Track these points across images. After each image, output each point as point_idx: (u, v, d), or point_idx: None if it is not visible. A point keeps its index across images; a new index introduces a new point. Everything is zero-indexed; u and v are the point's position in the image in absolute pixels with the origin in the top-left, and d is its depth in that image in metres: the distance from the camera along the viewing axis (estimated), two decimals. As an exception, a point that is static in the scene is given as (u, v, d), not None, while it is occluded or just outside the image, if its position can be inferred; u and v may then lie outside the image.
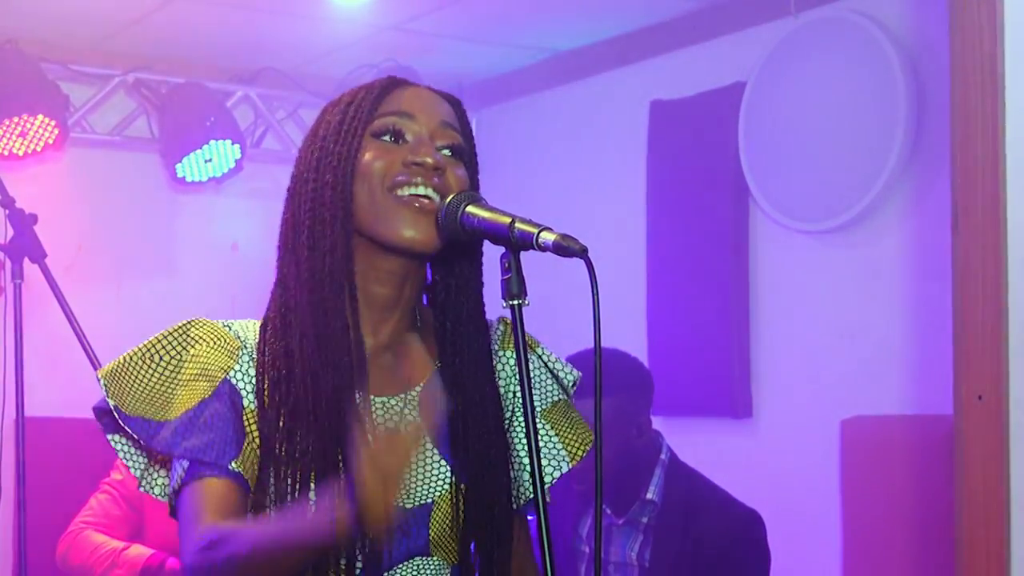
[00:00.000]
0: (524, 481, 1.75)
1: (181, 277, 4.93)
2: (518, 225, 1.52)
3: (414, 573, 1.66)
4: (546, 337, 2.10)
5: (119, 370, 1.65)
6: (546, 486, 1.72)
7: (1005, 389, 2.50)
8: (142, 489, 1.69)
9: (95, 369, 3.25)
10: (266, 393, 1.62)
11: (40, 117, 4.29)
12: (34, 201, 3.58)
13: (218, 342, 1.66)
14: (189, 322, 1.69)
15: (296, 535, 1.45)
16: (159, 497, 1.68)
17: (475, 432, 1.68)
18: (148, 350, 1.66)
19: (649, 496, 3.07)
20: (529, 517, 3.17)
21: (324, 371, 1.60)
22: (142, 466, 1.68)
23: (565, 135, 5.00)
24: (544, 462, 1.74)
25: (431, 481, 1.66)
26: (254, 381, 1.63)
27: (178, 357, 1.64)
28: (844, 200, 3.94)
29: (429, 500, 1.66)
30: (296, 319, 1.64)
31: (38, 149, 4.36)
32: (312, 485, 1.58)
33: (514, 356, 1.77)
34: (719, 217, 4.31)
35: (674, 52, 4.54)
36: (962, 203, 2.56)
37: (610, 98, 4.81)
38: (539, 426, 1.75)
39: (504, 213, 1.55)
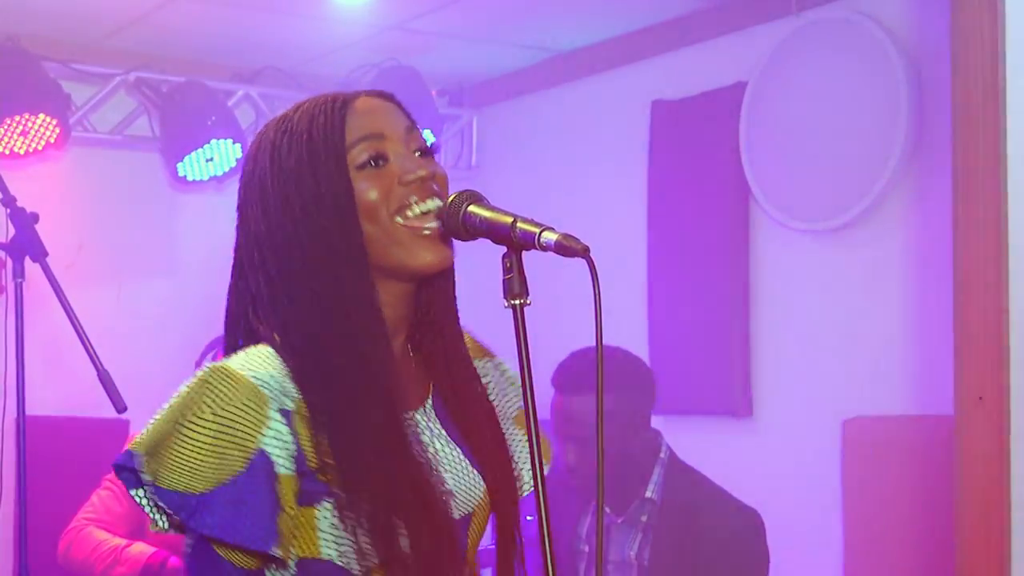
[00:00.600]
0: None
1: (182, 276, 4.93)
2: (520, 225, 1.52)
3: None
4: (546, 337, 2.11)
5: (153, 442, 1.54)
6: (529, 490, 1.76)
7: (1005, 390, 2.50)
8: (157, 529, 1.61)
9: (96, 368, 3.26)
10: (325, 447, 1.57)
11: (41, 116, 4.29)
12: (35, 200, 3.57)
13: (248, 401, 1.54)
14: (215, 374, 1.56)
15: None
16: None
17: (487, 441, 1.70)
18: (180, 414, 1.54)
19: (648, 495, 3.07)
20: (528, 518, 3.19)
21: (374, 403, 1.58)
22: (165, 520, 1.59)
23: (566, 135, 5.00)
24: (523, 466, 1.78)
25: (470, 491, 1.69)
26: (284, 441, 1.55)
27: (211, 420, 1.53)
28: (845, 200, 3.94)
29: (469, 511, 1.69)
30: (338, 366, 1.59)
31: (39, 148, 4.36)
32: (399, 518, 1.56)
33: (483, 366, 1.80)
34: (720, 217, 4.31)
35: (675, 52, 4.54)
36: (963, 203, 2.57)
37: (611, 98, 4.81)
38: (513, 431, 1.79)
39: (506, 213, 1.55)
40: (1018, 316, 2.49)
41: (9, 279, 3.44)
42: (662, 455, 3.12)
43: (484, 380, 1.78)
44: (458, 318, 1.74)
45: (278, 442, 1.54)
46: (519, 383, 1.76)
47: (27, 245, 3.41)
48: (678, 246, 4.45)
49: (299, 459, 1.55)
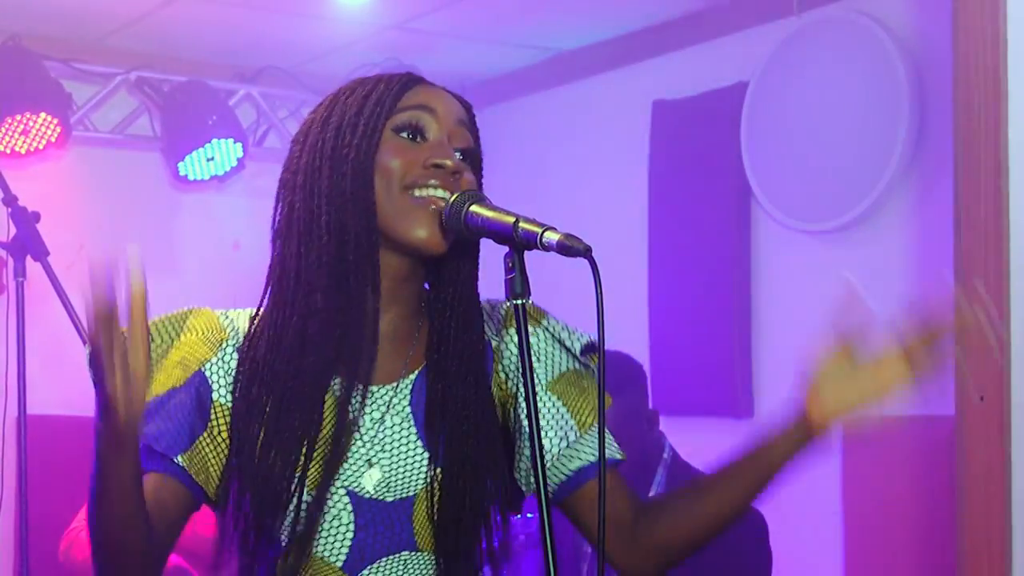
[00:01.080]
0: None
1: (183, 275, 4.93)
2: (522, 225, 1.52)
3: (400, 567, 1.65)
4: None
5: None
6: (555, 457, 1.71)
7: (1006, 390, 2.50)
8: None
9: (97, 367, 3.27)
10: (246, 380, 1.63)
11: (43, 115, 4.29)
12: (36, 199, 3.58)
13: (206, 332, 1.67)
14: (190, 310, 1.70)
15: (94, 463, 1.48)
16: None
17: (453, 423, 1.66)
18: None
19: (652, 495, 3.07)
20: (529, 515, 3.18)
21: (311, 364, 1.61)
22: None
23: (567, 134, 5.00)
24: (551, 433, 1.71)
25: (413, 473, 1.66)
26: (232, 374, 1.64)
27: (167, 342, 1.66)
28: (846, 200, 3.94)
29: (412, 493, 1.65)
30: (313, 304, 1.62)
31: (40, 147, 4.36)
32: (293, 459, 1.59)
33: (509, 337, 1.76)
34: (721, 217, 4.31)
35: (676, 52, 4.54)
36: (964, 203, 2.57)
37: (612, 98, 4.81)
38: (547, 398, 1.72)
39: (508, 212, 1.55)
40: (1020, 316, 2.49)
41: (10, 278, 3.44)
42: (665, 456, 3.12)
43: (505, 349, 1.73)
44: (474, 304, 1.71)
45: (223, 372, 1.64)
46: (570, 343, 1.76)
47: (28, 244, 3.42)
48: (679, 246, 4.45)
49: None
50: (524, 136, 5.17)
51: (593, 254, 1.49)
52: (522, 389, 1.70)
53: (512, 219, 1.53)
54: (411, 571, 1.66)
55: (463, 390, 1.68)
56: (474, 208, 1.58)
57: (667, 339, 4.45)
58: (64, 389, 4.29)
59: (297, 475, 1.59)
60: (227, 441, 1.63)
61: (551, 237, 1.50)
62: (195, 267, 4.95)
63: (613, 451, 1.77)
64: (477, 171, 1.71)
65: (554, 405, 1.74)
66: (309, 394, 1.61)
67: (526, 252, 1.54)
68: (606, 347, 1.58)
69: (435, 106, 1.67)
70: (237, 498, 1.61)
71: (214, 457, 1.63)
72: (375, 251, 1.63)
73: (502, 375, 1.74)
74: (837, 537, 3.92)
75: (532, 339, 1.75)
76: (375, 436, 1.65)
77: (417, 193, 1.62)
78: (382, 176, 1.62)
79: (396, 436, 1.66)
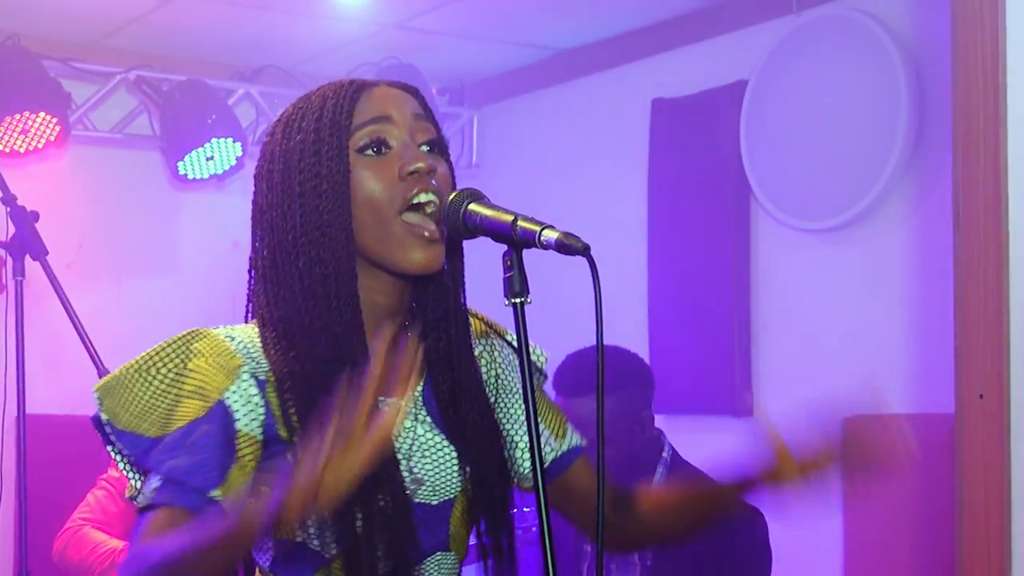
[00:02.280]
0: (524, 466, 1.79)
1: (182, 274, 4.94)
2: (520, 223, 1.52)
3: (436, 568, 1.69)
4: (547, 335, 2.10)
5: (115, 384, 1.62)
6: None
7: (1006, 388, 2.50)
8: (132, 494, 1.66)
9: (96, 366, 3.27)
10: (291, 413, 1.60)
11: (42, 114, 4.29)
12: (36, 198, 3.58)
13: (218, 359, 1.61)
14: (192, 333, 1.63)
15: (205, 535, 1.45)
16: None
17: (470, 424, 1.70)
18: (147, 363, 1.62)
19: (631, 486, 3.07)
20: (526, 509, 3.18)
21: (337, 383, 1.55)
22: (139, 477, 1.64)
23: (567, 133, 5.00)
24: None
25: (451, 476, 1.69)
26: (252, 402, 1.60)
27: (176, 371, 1.60)
28: (845, 198, 3.94)
29: (451, 496, 1.69)
30: (306, 340, 1.62)
31: (40, 146, 4.36)
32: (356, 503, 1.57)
33: (498, 343, 1.81)
34: (720, 215, 4.31)
35: (676, 50, 4.54)
36: (963, 202, 2.56)
37: (612, 96, 4.81)
38: (520, 410, 1.79)
39: (506, 211, 1.55)
40: (1018, 314, 2.49)
41: (9, 277, 3.44)
42: (665, 455, 3.12)
43: (491, 358, 1.79)
44: (465, 310, 1.74)
45: (243, 400, 1.60)
46: (537, 358, 1.83)
47: (27, 243, 3.42)
48: (678, 245, 4.45)
49: (268, 425, 1.60)
50: (522, 135, 5.17)
51: (592, 253, 1.49)
52: (499, 403, 1.78)
53: (510, 217, 1.53)
54: (443, 571, 1.70)
55: (470, 391, 1.71)
56: (472, 207, 1.57)
57: (666, 337, 4.45)
58: (64, 389, 4.29)
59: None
60: (252, 471, 1.59)
61: (549, 235, 1.50)
62: (194, 266, 4.95)
63: (576, 438, 1.85)
64: (445, 154, 1.71)
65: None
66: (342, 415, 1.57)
67: (524, 251, 1.54)
68: (606, 344, 1.58)
69: (388, 111, 1.66)
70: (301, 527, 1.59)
71: (240, 485, 1.58)
72: (354, 280, 1.62)
73: (488, 377, 1.79)
74: (837, 537, 3.92)
75: (504, 351, 1.82)
76: (410, 446, 1.67)
77: (408, 219, 1.62)
78: (365, 203, 1.62)
79: (429, 443, 1.69)
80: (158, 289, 4.85)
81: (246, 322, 1.71)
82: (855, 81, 3.92)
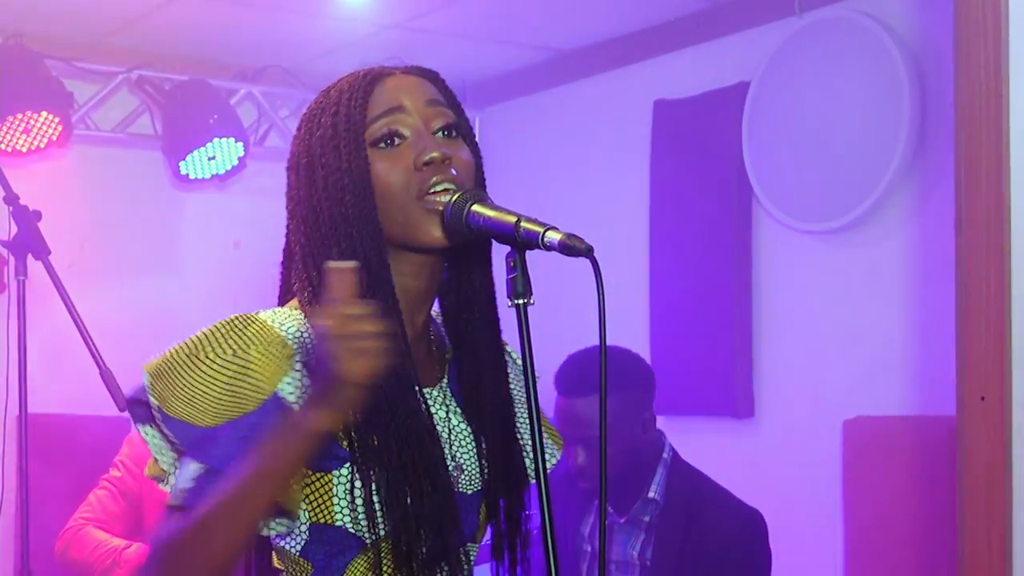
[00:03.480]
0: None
1: (184, 274, 4.94)
2: (524, 224, 1.52)
3: (466, 558, 1.71)
4: (550, 336, 2.11)
5: (166, 368, 1.57)
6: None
7: (1007, 390, 2.50)
8: (152, 473, 1.65)
9: (98, 366, 3.27)
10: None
11: (44, 114, 4.30)
12: (38, 198, 3.58)
13: (271, 347, 1.58)
14: (243, 319, 1.60)
15: (236, 479, 1.48)
16: None
17: (491, 416, 1.72)
18: (199, 347, 1.57)
19: (651, 495, 3.07)
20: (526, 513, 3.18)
21: (389, 374, 1.55)
22: (170, 461, 1.62)
23: (568, 134, 5.00)
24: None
25: (478, 469, 1.72)
26: (306, 391, 1.57)
27: (230, 359, 1.56)
28: (847, 201, 3.94)
29: (480, 488, 1.72)
30: None
31: (42, 146, 4.36)
32: (407, 487, 1.59)
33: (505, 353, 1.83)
34: (722, 217, 4.31)
35: (678, 51, 4.54)
36: (966, 204, 2.56)
37: (613, 97, 4.81)
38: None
39: (509, 212, 1.55)
40: (1021, 317, 2.49)
41: (11, 277, 3.44)
42: (665, 455, 3.12)
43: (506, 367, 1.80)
44: (494, 297, 1.74)
45: (297, 390, 1.57)
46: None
47: (29, 243, 3.42)
48: (680, 246, 4.45)
49: None
50: (524, 136, 5.17)
51: (594, 254, 1.49)
52: (522, 399, 1.80)
53: (514, 219, 1.54)
54: (470, 562, 1.72)
55: (492, 384, 1.73)
56: (475, 208, 1.58)
57: (668, 338, 4.45)
58: (65, 388, 4.30)
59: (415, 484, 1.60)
60: (315, 479, 1.60)
61: (553, 237, 1.50)
62: (196, 266, 4.95)
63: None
64: (467, 136, 1.71)
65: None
66: (395, 408, 1.61)
67: (528, 252, 1.55)
68: (609, 345, 1.58)
69: (401, 101, 1.66)
70: (345, 503, 1.59)
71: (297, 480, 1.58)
72: (386, 268, 1.63)
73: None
74: (837, 537, 3.92)
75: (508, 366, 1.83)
76: (447, 434, 1.69)
77: (427, 200, 1.62)
78: (384, 195, 1.63)
79: (462, 432, 1.71)
80: (160, 289, 4.86)
81: (280, 305, 1.72)
82: (857, 83, 3.92)
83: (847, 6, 3.98)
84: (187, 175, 4.67)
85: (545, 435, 1.85)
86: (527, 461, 1.79)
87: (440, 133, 1.66)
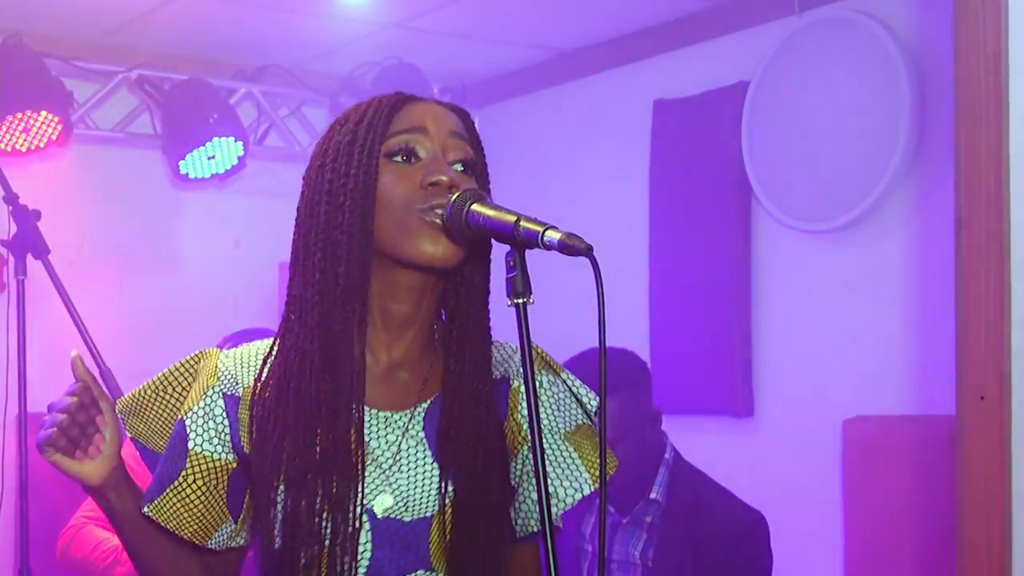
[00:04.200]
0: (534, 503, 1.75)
1: (183, 274, 4.94)
2: (523, 223, 1.52)
3: None
4: (547, 336, 2.10)
5: (133, 403, 1.76)
6: (566, 508, 1.75)
7: (1007, 389, 2.50)
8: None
9: (98, 365, 3.26)
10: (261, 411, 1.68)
11: (43, 113, 4.29)
12: (37, 197, 3.58)
13: (201, 378, 1.73)
14: (199, 354, 1.76)
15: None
16: None
17: (466, 445, 1.67)
18: (161, 383, 1.76)
19: (653, 495, 3.07)
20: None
21: (323, 386, 1.63)
22: None
23: (568, 134, 5.00)
24: (566, 483, 1.75)
25: (430, 494, 1.67)
26: (214, 421, 1.69)
27: (183, 391, 1.74)
28: (847, 200, 3.94)
29: (429, 513, 1.67)
30: (303, 340, 1.65)
31: (41, 145, 4.36)
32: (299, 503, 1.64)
33: (549, 380, 1.78)
34: (722, 216, 4.31)
35: (678, 51, 4.54)
36: (965, 203, 2.56)
37: (613, 97, 4.81)
38: (562, 447, 1.76)
39: (509, 211, 1.55)
40: (1020, 316, 2.49)
41: (11, 276, 3.44)
42: (667, 456, 3.12)
43: (541, 394, 1.74)
44: (485, 317, 1.73)
45: (203, 420, 1.69)
46: (585, 401, 1.80)
47: (29, 242, 3.42)
48: (680, 245, 4.45)
49: (236, 445, 1.69)
50: (524, 136, 5.17)
51: (594, 253, 1.49)
52: (547, 438, 1.75)
53: (513, 218, 1.53)
54: None
55: (477, 413, 1.69)
56: (475, 207, 1.58)
57: (667, 338, 4.45)
58: (64, 387, 4.29)
59: (317, 502, 1.62)
60: (207, 489, 1.68)
61: (552, 236, 1.50)
62: (195, 265, 4.95)
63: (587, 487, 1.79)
64: (481, 178, 1.72)
65: (571, 455, 1.77)
66: (327, 422, 1.63)
67: (527, 251, 1.54)
68: (608, 345, 1.58)
69: (425, 124, 1.67)
70: (263, 534, 1.65)
71: (182, 506, 1.69)
72: (364, 281, 1.64)
73: (521, 419, 1.75)
74: (837, 536, 3.92)
75: (552, 388, 1.79)
76: (391, 459, 1.67)
77: (424, 212, 1.62)
78: (385, 206, 1.63)
79: (411, 458, 1.68)
80: (160, 288, 4.86)
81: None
82: (857, 82, 3.92)
83: (847, 6, 3.98)
84: (187, 174, 4.67)
85: (582, 466, 1.76)
86: (524, 509, 1.74)
87: (458, 165, 1.67)
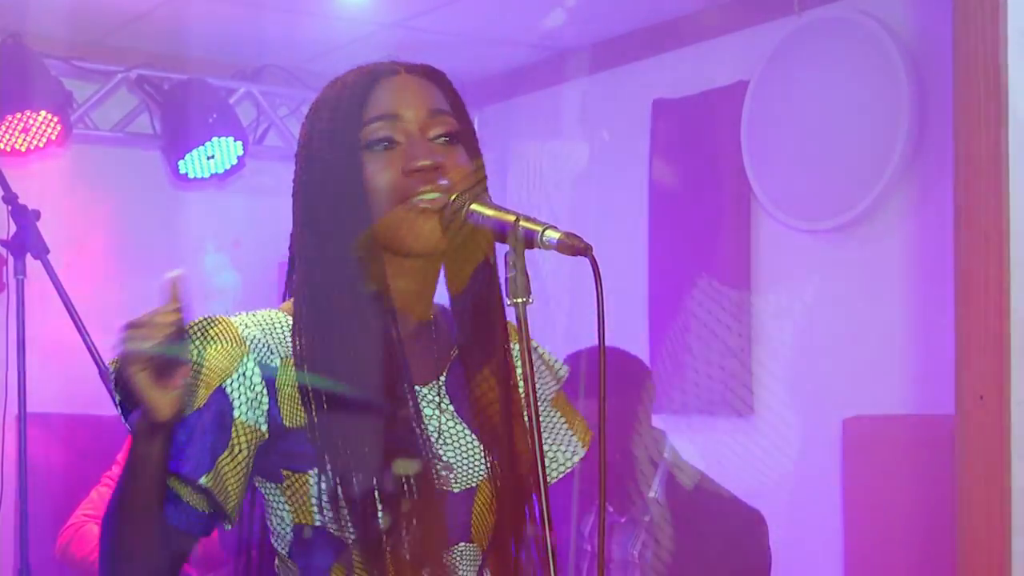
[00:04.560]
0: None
1: (183, 274, 4.93)
2: (522, 223, 1.52)
3: (459, 558, 1.68)
4: (547, 335, 2.10)
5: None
6: (565, 471, 1.81)
7: (1006, 389, 2.50)
8: None
9: (98, 365, 3.27)
10: (310, 395, 1.61)
11: (43, 113, 4.30)
12: (37, 197, 3.58)
13: (227, 345, 1.61)
14: (207, 320, 1.65)
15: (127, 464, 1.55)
16: None
17: (501, 415, 1.69)
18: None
19: (652, 495, 3.07)
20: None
21: (373, 370, 1.60)
22: None
23: (567, 134, 5.00)
24: (564, 448, 1.82)
25: (474, 464, 1.68)
26: (254, 391, 1.60)
27: (196, 356, 1.60)
28: (846, 199, 3.94)
29: (473, 484, 1.68)
30: (337, 324, 1.62)
31: (41, 145, 4.36)
32: (374, 481, 1.58)
33: (516, 348, 1.78)
34: (721, 215, 4.31)
35: (677, 50, 4.54)
36: (964, 203, 2.57)
37: (613, 96, 4.81)
38: (551, 414, 1.82)
39: (508, 211, 1.55)
40: (1019, 315, 2.49)
41: (10, 276, 3.44)
42: (666, 455, 3.12)
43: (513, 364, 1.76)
44: (500, 296, 1.70)
45: (244, 389, 1.60)
46: (554, 367, 1.83)
47: (28, 242, 3.42)
48: (679, 245, 4.45)
49: (272, 416, 1.60)
50: (524, 135, 5.17)
51: (593, 253, 1.49)
52: (544, 396, 1.80)
53: (512, 217, 1.53)
54: (466, 562, 1.68)
55: (502, 385, 1.70)
56: (474, 207, 1.58)
57: (667, 338, 4.45)
58: (64, 387, 4.29)
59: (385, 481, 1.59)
60: (248, 460, 1.60)
61: (551, 236, 1.50)
62: (195, 265, 4.95)
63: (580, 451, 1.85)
64: (469, 145, 1.70)
65: (559, 421, 1.83)
66: (385, 402, 1.61)
67: (527, 251, 1.54)
68: (607, 345, 1.58)
69: (398, 107, 1.65)
70: (320, 504, 1.59)
71: (232, 477, 1.60)
72: (379, 266, 1.63)
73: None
74: (837, 537, 3.92)
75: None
76: (435, 432, 1.67)
77: (410, 202, 1.62)
78: (375, 196, 1.63)
79: (451, 430, 1.69)
80: (159, 288, 4.85)
81: (284, 300, 1.73)
82: (856, 82, 3.92)
83: (846, 5, 3.98)
84: (186, 174, 4.67)
85: (571, 431, 1.83)
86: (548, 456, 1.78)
87: (442, 139, 1.65)
